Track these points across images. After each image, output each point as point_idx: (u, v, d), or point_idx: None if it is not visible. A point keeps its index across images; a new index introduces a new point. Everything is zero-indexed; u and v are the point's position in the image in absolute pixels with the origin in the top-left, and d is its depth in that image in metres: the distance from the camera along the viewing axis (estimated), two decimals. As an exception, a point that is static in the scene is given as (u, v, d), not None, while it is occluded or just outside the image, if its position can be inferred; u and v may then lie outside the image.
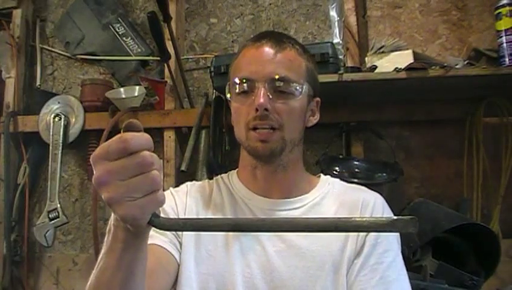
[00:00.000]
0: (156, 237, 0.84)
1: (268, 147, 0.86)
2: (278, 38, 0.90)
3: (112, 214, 0.58)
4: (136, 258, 0.62)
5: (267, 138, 0.85)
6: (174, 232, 0.87)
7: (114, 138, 0.53)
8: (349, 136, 1.64)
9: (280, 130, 0.86)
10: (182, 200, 0.93)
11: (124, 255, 0.60)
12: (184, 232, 0.88)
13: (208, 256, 0.86)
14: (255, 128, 0.85)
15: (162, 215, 0.59)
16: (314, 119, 0.96)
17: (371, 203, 0.89)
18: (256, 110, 0.84)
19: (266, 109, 0.83)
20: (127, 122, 0.54)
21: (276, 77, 0.85)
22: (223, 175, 1.00)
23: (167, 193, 0.94)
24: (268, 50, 0.88)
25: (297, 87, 0.87)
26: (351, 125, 1.62)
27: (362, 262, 0.83)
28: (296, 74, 0.88)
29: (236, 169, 0.99)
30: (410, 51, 1.37)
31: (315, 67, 0.95)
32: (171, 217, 0.88)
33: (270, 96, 0.85)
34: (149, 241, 0.83)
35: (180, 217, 0.89)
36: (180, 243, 0.88)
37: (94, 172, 0.53)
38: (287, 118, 0.86)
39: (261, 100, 0.83)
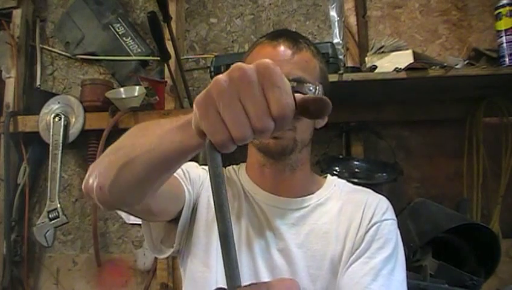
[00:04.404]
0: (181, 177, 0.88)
1: (279, 144, 0.86)
2: (295, 38, 0.90)
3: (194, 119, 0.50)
4: (177, 161, 0.61)
5: (279, 135, 0.85)
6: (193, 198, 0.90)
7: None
8: (349, 136, 1.64)
9: (293, 130, 0.86)
10: (206, 177, 0.95)
11: (173, 150, 0.58)
12: (201, 211, 0.91)
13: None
14: None
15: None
16: (323, 121, 0.96)
17: (374, 204, 0.89)
18: None
19: None
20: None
21: (293, 77, 0.85)
22: (234, 166, 1.01)
23: (195, 165, 0.97)
24: (285, 50, 0.87)
25: (312, 89, 0.87)
26: (351, 125, 1.62)
27: (356, 256, 0.84)
28: (311, 76, 0.88)
29: (245, 163, 0.99)
30: (410, 51, 1.37)
31: (326, 67, 0.95)
32: (196, 183, 0.92)
33: None
34: None
35: (202, 188, 0.93)
36: (195, 208, 0.90)
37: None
38: (300, 120, 0.85)
39: None
